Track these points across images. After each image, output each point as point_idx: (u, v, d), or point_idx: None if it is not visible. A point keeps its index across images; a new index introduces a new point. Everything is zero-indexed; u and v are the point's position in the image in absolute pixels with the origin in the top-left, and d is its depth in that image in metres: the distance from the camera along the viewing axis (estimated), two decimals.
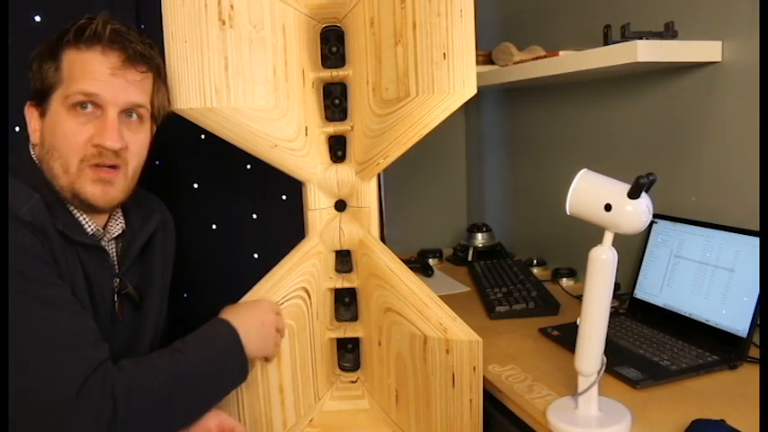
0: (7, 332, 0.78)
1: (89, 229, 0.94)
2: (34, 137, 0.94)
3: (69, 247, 0.90)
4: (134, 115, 0.94)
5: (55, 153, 0.90)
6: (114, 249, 1.01)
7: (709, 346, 1.13)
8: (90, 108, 0.90)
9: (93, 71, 0.89)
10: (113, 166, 0.92)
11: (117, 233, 1.00)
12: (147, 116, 0.96)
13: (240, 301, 1.06)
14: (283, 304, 1.09)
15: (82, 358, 0.80)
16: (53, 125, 0.90)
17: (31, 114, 0.94)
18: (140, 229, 1.03)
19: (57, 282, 0.85)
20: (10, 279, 0.79)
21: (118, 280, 0.98)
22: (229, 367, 0.95)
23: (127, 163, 0.94)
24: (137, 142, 0.95)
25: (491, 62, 1.67)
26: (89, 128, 0.90)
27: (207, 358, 0.91)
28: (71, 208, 0.93)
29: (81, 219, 0.94)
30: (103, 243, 0.97)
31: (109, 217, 0.99)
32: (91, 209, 0.94)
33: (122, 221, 1.01)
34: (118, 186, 0.93)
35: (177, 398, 0.86)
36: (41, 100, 0.92)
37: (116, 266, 1.00)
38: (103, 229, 0.98)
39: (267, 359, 1.07)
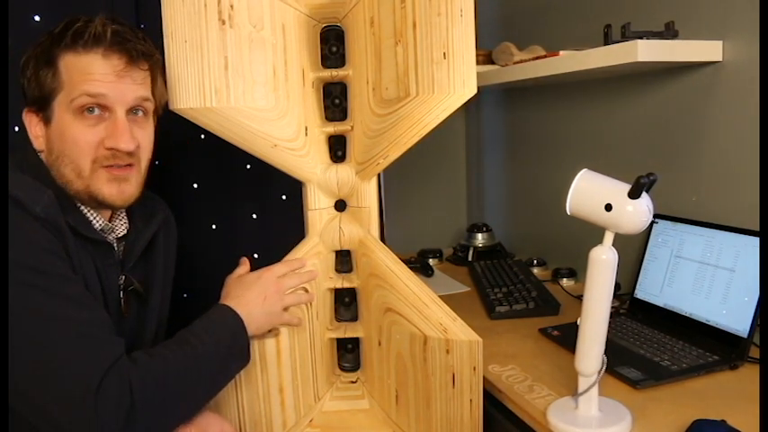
0: (7, 331, 0.79)
1: (97, 225, 0.96)
2: (37, 143, 0.93)
3: (80, 242, 0.91)
4: (140, 112, 0.95)
5: (65, 159, 0.90)
6: (119, 248, 1.01)
7: (709, 347, 1.13)
8: (97, 111, 0.90)
9: (96, 73, 0.89)
10: (128, 164, 0.93)
11: (122, 233, 1.01)
12: (152, 109, 0.97)
13: (243, 278, 1.06)
14: None
15: (101, 353, 0.82)
16: (60, 132, 0.90)
17: (30, 120, 0.93)
18: (144, 228, 1.03)
19: (73, 277, 0.86)
20: (28, 275, 0.80)
21: (123, 277, 0.99)
22: (235, 354, 0.97)
23: (140, 160, 0.95)
24: (146, 138, 0.96)
25: (491, 62, 1.67)
26: (98, 130, 0.90)
27: (214, 348, 0.93)
28: (79, 205, 0.94)
29: (89, 215, 0.95)
30: (110, 240, 0.98)
31: (112, 215, 0.99)
32: (107, 208, 0.95)
33: (126, 221, 1.02)
34: (133, 183, 0.95)
35: (188, 387, 0.89)
36: (42, 106, 0.91)
37: (120, 264, 1.00)
38: (109, 221, 0.99)
39: (283, 326, 1.08)
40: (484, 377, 1.05)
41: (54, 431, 0.81)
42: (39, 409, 0.81)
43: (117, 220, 1.00)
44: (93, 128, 0.90)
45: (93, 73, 0.89)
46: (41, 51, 0.91)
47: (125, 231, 1.01)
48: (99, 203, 0.93)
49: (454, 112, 0.99)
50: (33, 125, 0.93)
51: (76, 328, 0.81)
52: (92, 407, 0.78)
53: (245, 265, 1.10)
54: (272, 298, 1.03)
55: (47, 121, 0.91)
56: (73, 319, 0.82)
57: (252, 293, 1.02)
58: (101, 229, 0.96)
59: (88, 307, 0.85)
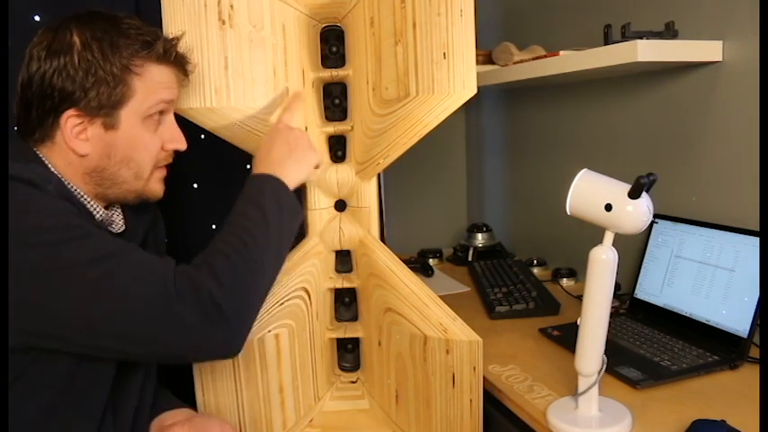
0: (7, 327, 0.79)
1: (98, 216, 0.96)
2: (83, 147, 0.90)
3: None
4: None
5: (131, 163, 0.93)
6: None
7: (709, 347, 1.13)
8: (157, 116, 0.95)
9: (168, 81, 0.95)
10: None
11: (121, 229, 1.01)
12: None
13: (263, 139, 1.05)
14: (283, 304, 1.09)
15: (160, 265, 0.85)
16: (130, 138, 0.92)
17: (73, 123, 0.90)
18: (137, 224, 1.04)
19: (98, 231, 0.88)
20: (63, 233, 0.81)
21: None
22: (288, 212, 0.97)
23: None
24: None
25: (491, 62, 1.67)
26: (159, 134, 0.96)
27: (265, 218, 0.93)
28: (79, 196, 0.94)
29: (89, 206, 0.95)
30: (112, 230, 0.99)
31: (108, 207, 1.00)
32: (143, 201, 1.00)
33: (121, 214, 1.02)
34: None
35: (256, 266, 0.89)
36: (106, 113, 0.90)
37: None
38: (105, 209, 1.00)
39: (317, 167, 1.07)
40: (484, 377, 1.05)
41: (146, 350, 0.83)
42: (124, 338, 0.82)
43: (115, 215, 1.01)
44: (155, 133, 0.95)
45: (166, 81, 0.94)
46: (106, 62, 0.89)
47: (123, 227, 1.01)
48: (143, 200, 0.98)
49: (454, 112, 0.99)
50: (79, 128, 0.90)
51: (127, 257, 0.83)
52: (173, 310, 0.80)
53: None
54: (294, 144, 1.01)
55: (109, 126, 0.91)
56: (118, 251, 0.83)
57: (276, 148, 1.00)
58: (101, 220, 0.97)
59: (123, 242, 0.87)
